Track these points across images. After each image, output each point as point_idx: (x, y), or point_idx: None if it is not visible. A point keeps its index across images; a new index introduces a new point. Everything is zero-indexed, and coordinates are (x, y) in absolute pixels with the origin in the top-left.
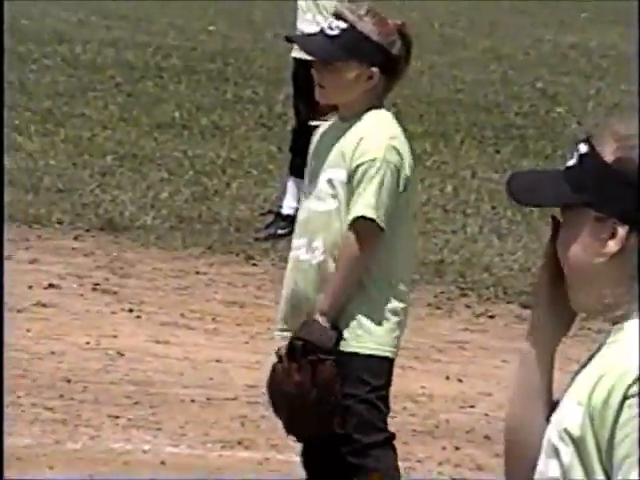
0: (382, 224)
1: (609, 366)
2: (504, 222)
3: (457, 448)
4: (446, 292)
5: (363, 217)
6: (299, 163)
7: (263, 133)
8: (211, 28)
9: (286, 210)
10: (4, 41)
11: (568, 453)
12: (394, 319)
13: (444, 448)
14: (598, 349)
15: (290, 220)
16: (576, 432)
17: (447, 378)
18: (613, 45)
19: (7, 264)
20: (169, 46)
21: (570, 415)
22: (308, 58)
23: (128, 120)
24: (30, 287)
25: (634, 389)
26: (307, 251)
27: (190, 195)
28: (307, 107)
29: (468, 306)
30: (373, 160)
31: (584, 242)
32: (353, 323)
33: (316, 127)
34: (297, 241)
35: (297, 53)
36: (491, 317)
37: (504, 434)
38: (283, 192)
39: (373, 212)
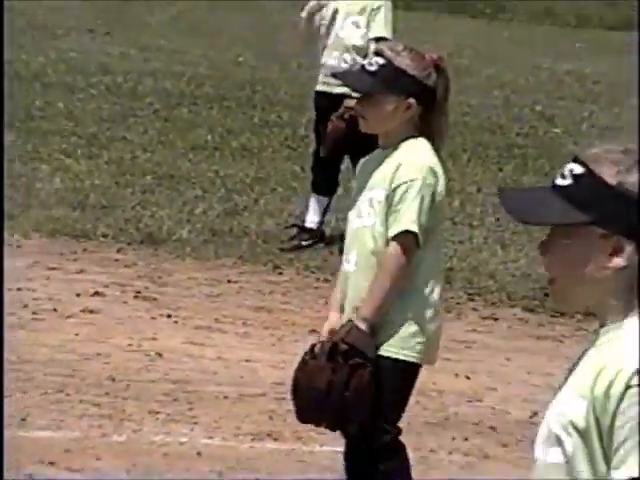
0: (421, 239)
1: (609, 361)
2: (507, 233)
3: (466, 439)
4: (455, 297)
5: (407, 231)
6: (320, 181)
7: (288, 154)
8: (240, 59)
9: (309, 224)
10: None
11: (571, 443)
12: (426, 326)
13: (454, 439)
14: (588, 348)
15: (312, 233)
16: (581, 423)
17: (456, 375)
18: (605, 72)
19: (56, 274)
20: (202, 75)
21: (574, 408)
22: (330, 91)
23: (165, 143)
24: (78, 295)
25: (634, 380)
26: (347, 263)
27: (222, 211)
28: (335, 152)
29: (475, 309)
30: (413, 180)
31: (589, 257)
32: (388, 328)
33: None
34: (344, 255)
35: (321, 87)
36: (496, 319)
37: None
38: (306, 207)
39: (416, 227)
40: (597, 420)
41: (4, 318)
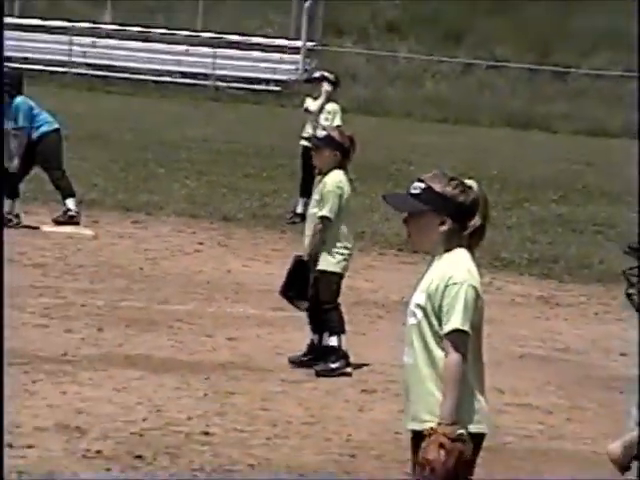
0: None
1: (438, 273)
2: None
3: None
4: None
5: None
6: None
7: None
8: None
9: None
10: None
11: (419, 313)
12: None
13: None
14: (428, 269)
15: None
16: (422, 304)
17: None
18: None
19: (182, 234)
20: None
21: (420, 297)
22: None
23: None
24: (200, 243)
25: (451, 281)
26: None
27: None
28: (308, 171)
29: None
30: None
31: (430, 227)
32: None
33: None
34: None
35: (304, 142)
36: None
37: None
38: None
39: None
40: (431, 301)
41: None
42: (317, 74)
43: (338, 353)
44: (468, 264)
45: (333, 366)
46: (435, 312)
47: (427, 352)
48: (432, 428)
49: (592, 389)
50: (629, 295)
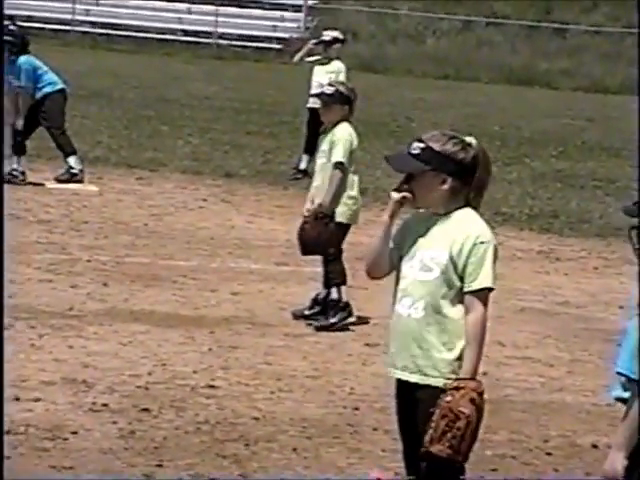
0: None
1: (458, 231)
2: None
3: None
4: None
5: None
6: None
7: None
8: None
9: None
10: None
11: (437, 269)
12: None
13: None
14: (429, 225)
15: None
16: (444, 261)
17: None
18: None
19: (185, 190)
20: None
21: (440, 254)
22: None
23: None
24: (201, 200)
25: (479, 240)
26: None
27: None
28: (314, 130)
29: None
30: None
31: (431, 186)
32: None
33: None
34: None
35: (311, 104)
36: None
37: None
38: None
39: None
40: (453, 261)
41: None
42: (327, 37)
43: (337, 306)
44: (484, 223)
45: (332, 320)
46: (458, 270)
47: (438, 307)
48: (460, 382)
49: (592, 342)
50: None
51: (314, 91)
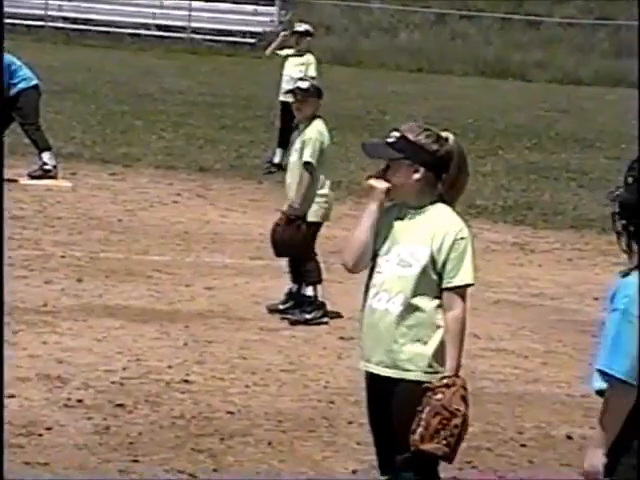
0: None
1: (436, 226)
2: None
3: None
4: None
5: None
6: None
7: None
8: None
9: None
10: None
11: (417, 265)
12: None
13: None
14: (409, 220)
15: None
16: (425, 257)
17: None
18: None
19: (160, 184)
20: None
21: (419, 250)
22: (290, 101)
23: None
24: (177, 194)
25: (459, 235)
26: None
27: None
28: (287, 124)
29: None
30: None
31: (405, 175)
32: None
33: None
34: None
35: (283, 97)
36: None
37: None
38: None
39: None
40: (433, 256)
41: None
42: (301, 28)
43: (314, 303)
44: (459, 218)
45: (308, 317)
46: (437, 266)
47: (415, 302)
48: (450, 379)
49: (566, 333)
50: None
51: (285, 85)
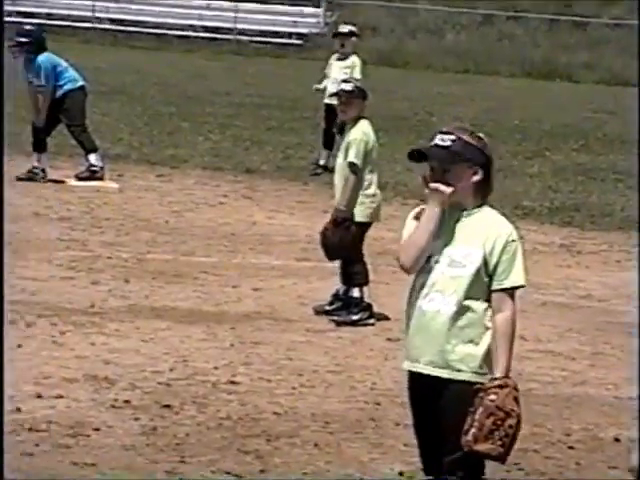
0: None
1: (489, 229)
2: None
3: None
4: None
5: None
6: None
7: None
8: None
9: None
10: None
11: (471, 266)
12: None
13: None
14: (459, 222)
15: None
16: (478, 259)
17: None
18: None
19: (205, 186)
20: None
21: (472, 251)
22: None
23: None
24: (223, 195)
25: (511, 238)
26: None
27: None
28: (331, 125)
29: None
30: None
31: (467, 177)
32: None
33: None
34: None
35: (328, 100)
36: None
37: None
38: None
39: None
40: (485, 258)
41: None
42: (345, 29)
43: (360, 305)
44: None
45: (354, 318)
46: (489, 268)
47: (467, 303)
48: (502, 380)
49: (614, 335)
50: None
51: (330, 87)
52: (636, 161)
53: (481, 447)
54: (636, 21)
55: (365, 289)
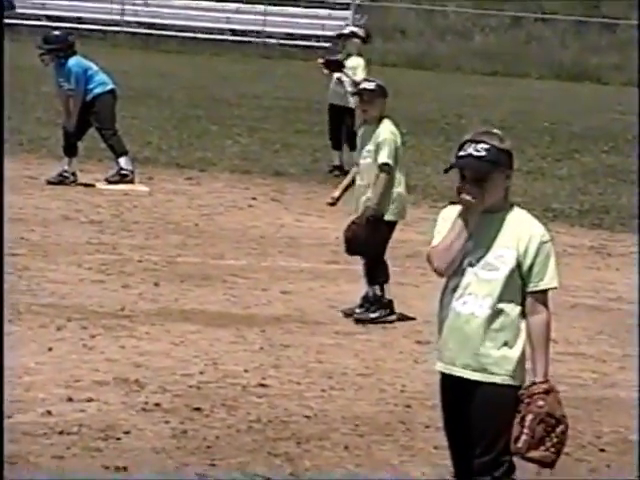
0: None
1: (522, 230)
2: None
3: None
4: None
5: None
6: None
7: None
8: None
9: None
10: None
11: (504, 268)
12: None
13: None
14: (491, 224)
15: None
16: (512, 260)
17: None
18: None
19: (234, 189)
20: None
21: (506, 253)
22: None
23: None
24: (251, 198)
25: (544, 239)
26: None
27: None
28: (335, 126)
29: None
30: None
31: (499, 183)
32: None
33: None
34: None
35: (331, 100)
36: None
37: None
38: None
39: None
40: (519, 259)
41: None
42: (346, 30)
43: (380, 302)
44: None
45: (372, 315)
46: (523, 270)
47: (501, 305)
48: (547, 385)
49: None
50: None
51: (332, 87)
52: None
53: (534, 454)
54: None
55: (385, 286)
